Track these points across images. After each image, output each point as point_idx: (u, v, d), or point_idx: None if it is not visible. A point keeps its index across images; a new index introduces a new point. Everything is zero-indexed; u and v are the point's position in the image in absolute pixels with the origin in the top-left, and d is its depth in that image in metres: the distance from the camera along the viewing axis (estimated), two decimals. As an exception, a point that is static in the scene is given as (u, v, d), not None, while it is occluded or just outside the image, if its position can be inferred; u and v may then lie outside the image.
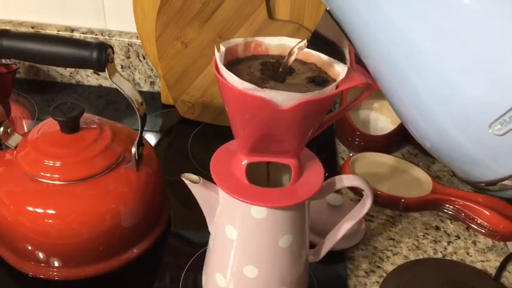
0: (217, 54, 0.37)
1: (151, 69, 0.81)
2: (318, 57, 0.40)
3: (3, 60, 0.68)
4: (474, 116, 0.31)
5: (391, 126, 0.74)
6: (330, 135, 0.76)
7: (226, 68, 0.36)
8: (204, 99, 0.73)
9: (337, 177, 0.45)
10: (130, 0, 0.72)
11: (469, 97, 0.31)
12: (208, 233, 0.47)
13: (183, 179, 0.43)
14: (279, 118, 0.36)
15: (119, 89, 0.47)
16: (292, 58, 0.38)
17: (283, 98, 0.34)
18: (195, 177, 0.43)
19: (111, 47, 0.44)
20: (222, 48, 0.38)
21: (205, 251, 0.51)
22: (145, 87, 0.83)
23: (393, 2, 0.32)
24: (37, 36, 0.44)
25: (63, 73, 0.83)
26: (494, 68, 0.29)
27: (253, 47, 0.41)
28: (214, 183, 0.43)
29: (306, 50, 0.40)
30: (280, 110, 0.35)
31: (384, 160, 0.70)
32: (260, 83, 0.36)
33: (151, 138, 0.74)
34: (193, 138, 0.74)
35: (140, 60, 0.80)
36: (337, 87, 0.36)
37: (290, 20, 0.68)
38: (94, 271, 0.51)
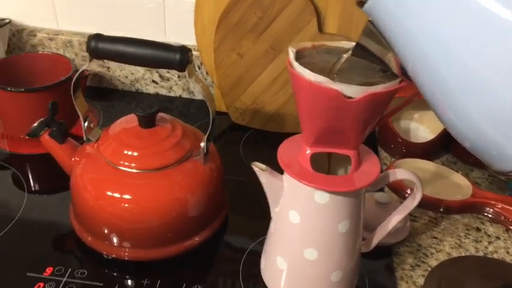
0: (290, 53, 0.43)
1: (205, 79, 0.87)
2: None
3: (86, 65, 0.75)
4: (507, 116, 0.34)
5: (431, 135, 0.78)
6: (372, 142, 0.81)
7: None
8: (255, 106, 0.79)
9: (390, 171, 0.50)
10: (189, 16, 0.78)
11: (501, 98, 0.34)
12: (262, 225, 0.52)
13: (253, 166, 0.48)
14: (347, 109, 0.40)
15: (196, 88, 0.52)
16: (339, 64, 0.43)
17: (353, 91, 0.39)
18: (263, 165, 0.48)
19: (191, 50, 0.50)
20: (294, 49, 0.43)
21: (260, 241, 0.56)
22: (199, 96, 0.89)
23: (428, 9, 0.35)
24: (126, 40, 0.50)
25: (124, 81, 0.90)
26: None
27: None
28: (279, 173, 0.49)
29: None
30: (349, 101, 0.40)
31: (425, 166, 0.74)
32: (331, 75, 0.41)
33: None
34: (244, 142, 0.79)
35: (195, 71, 0.86)
36: (400, 82, 0.41)
37: (338, 34, 0.73)
38: (160, 254, 0.56)
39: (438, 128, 0.77)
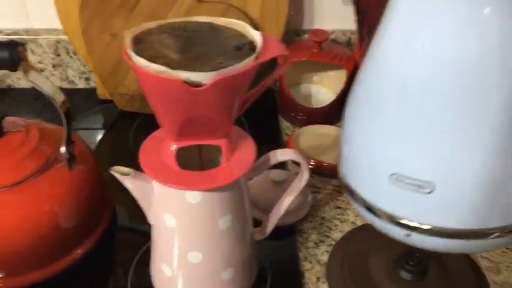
0: (126, 39, 0.36)
1: (84, 65, 0.78)
2: (238, 24, 0.40)
3: None
4: None
5: (332, 97, 0.75)
6: (272, 112, 0.76)
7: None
8: (142, 90, 0.72)
9: (271, 153, 0.45)
10: (52, -4, 0.69)
11: None
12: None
13: (112, 172, 0.42)
14: (198, 98, 0.35)
15: (37, 88, 0.45)
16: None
17: (200, 78, 0.33)
18: (125, 169, 0.42)
19: (23, 44, 0.42)
20: (132, 33, 0.37)
21: (152, 243, 0.50)
22: (81, 84, 0.81)
23: None
24: None
25: (-8, 78, 0.79)
26: None
27: (168, 28, 0.40)
28: (148, 174, 0.43)
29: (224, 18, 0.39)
30: (197, 90, 0.34)
31: (327, 131, 0.71)
32: (174, 62, 0.35)
33: (92, 136, 0.72)
34: (136, 130, 0.72)
35: (71, 57, 0.77)
36: (256, 58, 0.35)
37: (219, 1, 0.67)
38: (40, 276, 0.50)
39: (338, 88, 0.74)
